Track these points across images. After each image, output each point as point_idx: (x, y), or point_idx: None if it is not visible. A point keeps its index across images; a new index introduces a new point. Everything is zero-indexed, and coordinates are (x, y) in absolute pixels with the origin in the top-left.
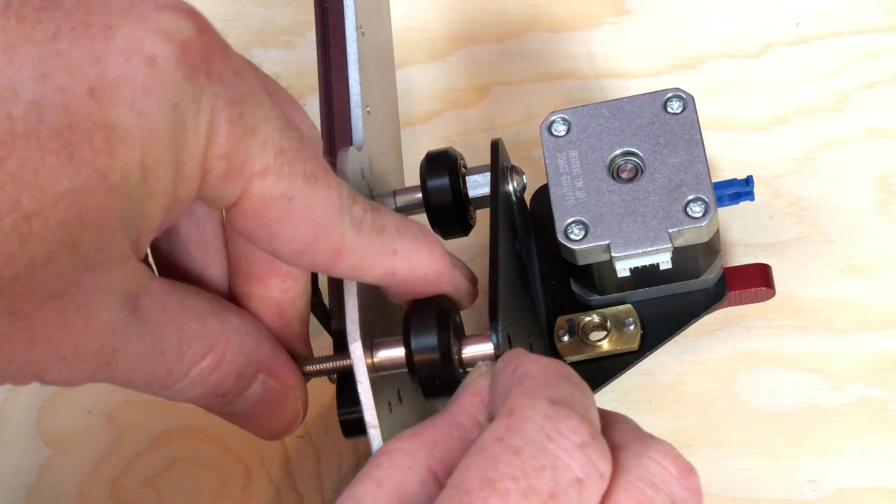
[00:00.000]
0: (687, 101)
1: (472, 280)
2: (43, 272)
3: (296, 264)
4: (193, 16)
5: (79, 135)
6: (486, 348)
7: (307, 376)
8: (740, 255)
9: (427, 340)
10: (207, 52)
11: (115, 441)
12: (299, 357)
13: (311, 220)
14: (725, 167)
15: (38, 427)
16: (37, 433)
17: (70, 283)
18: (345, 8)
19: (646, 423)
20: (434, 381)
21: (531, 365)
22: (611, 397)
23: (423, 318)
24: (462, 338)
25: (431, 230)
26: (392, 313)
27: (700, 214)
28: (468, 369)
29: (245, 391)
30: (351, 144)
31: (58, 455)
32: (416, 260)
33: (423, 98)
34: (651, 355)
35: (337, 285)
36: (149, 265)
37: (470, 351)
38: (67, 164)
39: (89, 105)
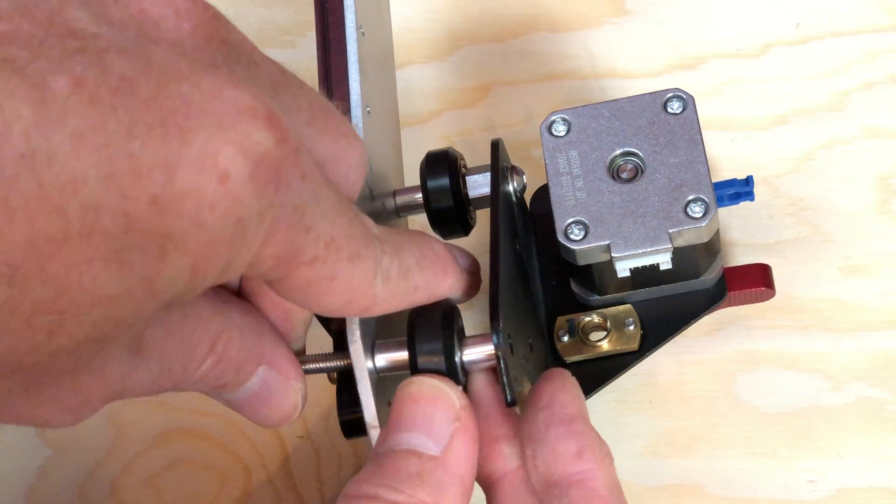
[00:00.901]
0: (687, 102)
1: (476, 272)
2: (63, 358)
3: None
4: (273, 123)
5: (132, 241)
6: (487, 349)
7: (307, 373)
8: (740, 255)
9: (432, 345)
10: (281, 163)
11: (115, 441)
12: (299, 354)
13: (349, 292)
14: (725, 167)
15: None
16: (37, 433)
17: (89, 360)
18: (345, 8)
19: (646, 423)
20: None
21: (601, 473)
22: (611, 397)
23: (429, 321)
24: (463, 339)
25: (439, 238)
26: (392, 314)
27: (700, 214)
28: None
29: (245, 382)
30: None
31: (58, 455)
32: (433, 287)
33: (423, 98)
34: (651, 355)
35: None
36: None
37: (471, 353)
38: (115, 270)
39: (150, 213)
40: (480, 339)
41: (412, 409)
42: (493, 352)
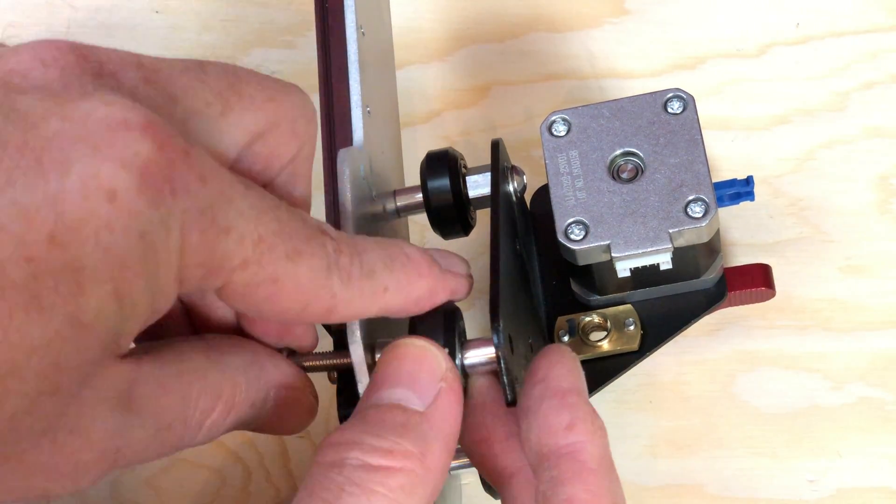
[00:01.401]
0: (687, 102)
1: (466, 272)
2: (26, 419)
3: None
4: (150, 129)
5: (45, 283)
6: (488, 351)
7: (307, 370)
8: (740, 255)
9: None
10: (169, 168)
11: None
12: (301, 353)
13: (300, 293)
14: (725, 167)
15: None
16: None
17: (58, 417)
18: (345, 8)
19: (646, 423)
20: None
21: (592, 445)
22: (611, 397)
23: (431, 322)
24: (465, 342)
25: (412, 244)
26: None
27: (700, 214)
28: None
29: (259, 409)
30: (351, 144)
31: None
32: (406, 289)
33: (423, 98)
34: (651, 355)
35: None
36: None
37: (472, 355)
38: (37, 316)
39: (52, 251)
40: (481, 342)
41: (397, 367)
42: (494, 353)
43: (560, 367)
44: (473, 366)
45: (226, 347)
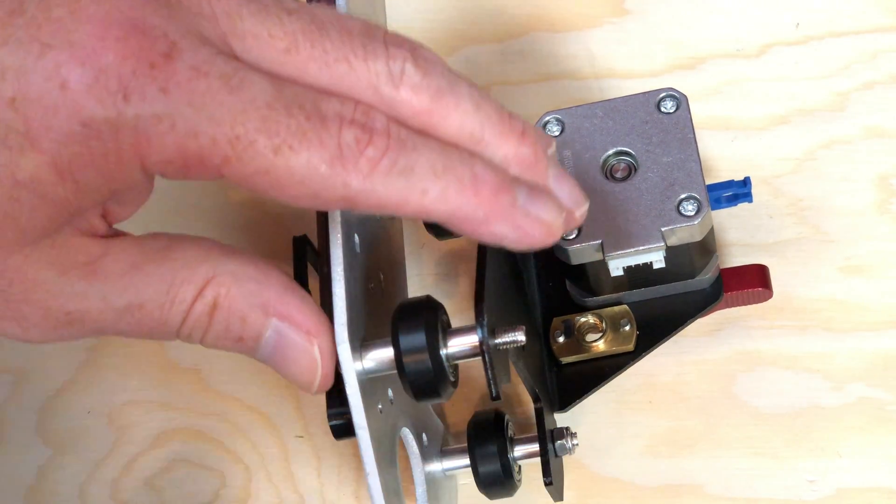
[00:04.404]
0: (680, 101)
1: (553, 218)
2: None
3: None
4: (127, 39)
5: None
6: (471, 340)
7: None
8: (740, 256)
9: (415, 340)
10: (128, 77)
11: (115, 441)
12: None
13: (300, 183)
14: (725, 167)
15: (38, 427)
16: (37, 433)
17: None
18: (336, 7)
19: (646, 423)
20: (424, 383)
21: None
22: (611, 397)
23: (411, 319)
24: (448, 332)
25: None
26: (382, 313)
27: (692, 213)
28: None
29: (261, 337)
30: None
31: (58, 455)
32: (451, 202)
33: None
34: (651, 356)
35: (325, 286)
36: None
37: (455, 343)
38: None
39: (9, 111)
40: (464, 332)
41: None
42: (477, 342)
43: None
44: (455, 355)
45: (233, 253)
